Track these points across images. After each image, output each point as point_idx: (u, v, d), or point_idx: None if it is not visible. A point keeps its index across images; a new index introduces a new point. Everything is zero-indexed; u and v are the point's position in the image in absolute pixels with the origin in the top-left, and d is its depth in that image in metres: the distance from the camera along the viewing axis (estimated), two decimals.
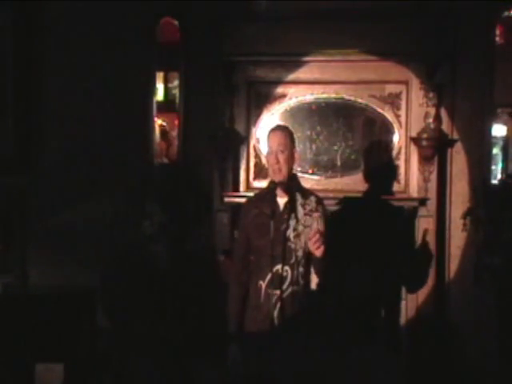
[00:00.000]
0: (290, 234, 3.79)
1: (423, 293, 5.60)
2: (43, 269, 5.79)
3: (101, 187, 5.83)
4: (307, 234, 3.79)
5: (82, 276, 5.56)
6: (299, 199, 3.86)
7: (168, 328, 5.45)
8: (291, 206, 3.83)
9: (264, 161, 5.84)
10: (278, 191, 3.85)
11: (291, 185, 3.87)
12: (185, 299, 5.40)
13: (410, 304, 5.62)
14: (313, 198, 3.92)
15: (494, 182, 5.63)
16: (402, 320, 5.63)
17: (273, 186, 3.85)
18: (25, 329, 4.90)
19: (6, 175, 5.72)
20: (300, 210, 3.83)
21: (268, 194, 3.85)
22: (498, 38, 5.71)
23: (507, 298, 5.16)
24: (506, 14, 5.74)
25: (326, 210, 3.96)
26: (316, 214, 3.85)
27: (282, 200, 3.85)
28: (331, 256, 3.79)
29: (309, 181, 5.87)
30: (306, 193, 3.94)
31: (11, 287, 5.61)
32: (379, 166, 5.74)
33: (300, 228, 3.81)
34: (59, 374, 4.62)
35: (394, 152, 5.79)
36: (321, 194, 5.60)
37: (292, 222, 3.81)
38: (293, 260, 3.78)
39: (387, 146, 5.77)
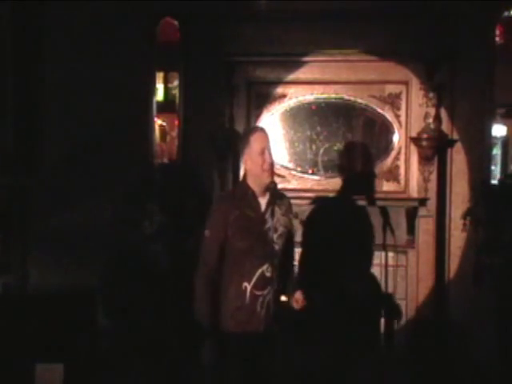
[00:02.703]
0: (273, 234, 3.78)
1: (423, 293, 5.61)
2: (43, 269, 5.79)
3: (101, 187, 5.83)
4: (285, 234, 3.84)
5: (82, 276, 5.56)
6: (277, 200, 3.86)
7: (167, 327, 5.45)
8: (272, 206, 3.82)
9: None
10: (259, 191, 3.83)
11: (272, 184, 3.88)
12: (184, 298, 5.40)
13: (409, 304, 5.63)
14: (285, 199, 3.94)
15: (494, 182, 5.63)
16: (402, 320, 5.63)
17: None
18: (25, 329, 4.89)
19: (6, 175, 5.71)
20: (278, 211, 3.84)
21: (246, 195, 3.84)
22: (497, 38, 5.72)
23: (507, 297, 5.16)
24: (506, 14, 5.74)
25: (294, 211, 4.04)
26: (290, 215, 3.91)
27: (262, 200, 3.85)
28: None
29: (309, 181, 5.87)
30: (279, 193, 3.95)
31: (11, 287, 5.61)
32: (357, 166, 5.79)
33: (280, 228, 3.83)
34: (59, 374, 4.62)
35: (394, 152, 5.79)
36: (321, 194, 5.66)
37: (273, 223, 3.81)
38: (276, 260, 3.79)
39: (367, 146, 5.80)
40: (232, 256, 3.80)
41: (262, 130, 3.94)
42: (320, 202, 5.51)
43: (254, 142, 3.82)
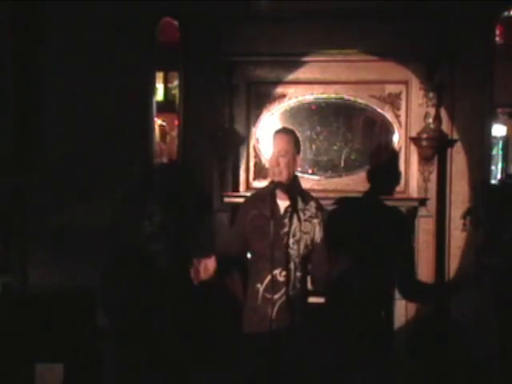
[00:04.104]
0: (289, 239, 3.75)
1: None
2: (43, 269, 5.79)
3: (100, 187, 5.82)
4: (305, 240, 3.78)
5: (82, 276, 5.55)
6: (299, 204, 3.82)
7: (167, 328, 5.45)
8: (292, 210, 3.79)
9: (264, 161, 5.84)
10: (279, 193, 3.81)
11: (292, 188, 3.84)
12: (184, 299, 5.40)
13: (409, 304, 5.62)
14: (313, 204, 3.88)
15: (494, 182, 5.63)
16: (402, 320, 5.63)
17: (273, 187, 3.81)
18: (25, 329, 4.89)
19: (5, 175, 5.71)
20: (300, 216, 3.80)
21: (268, 196, 3.81)
22: (497, 38, 5.71)
23: (507, 298, 5.16)
24: (506, 13, 5.74)
25: (324, 215, 3.93)
26: (315, 221, 3.84)
27: (282, 203, 3.81)
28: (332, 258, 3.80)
29: (309, 181, 5.87)
30: (307, 197, 3.90)
31: (11, 287, 5.61)
32: (384, 167, 5.74)
33: (299, 234, 3.78)
34: (59, 374, 4.62)
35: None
36: (321, 194, 5.65)
37: (291, 228, 3.77)
38: (291, 265, 3.75)
39: (392, 147, 5.78)
40: (251, 256, 3.82)
41: (284, 132, 3.92)
42: (339, 203, 5.48)
43: (273, 144, 3.83)
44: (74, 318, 5.06)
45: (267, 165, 3.92)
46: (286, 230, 3.77)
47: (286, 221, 3.77)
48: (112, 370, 5.27)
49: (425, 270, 5.63)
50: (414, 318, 5.63)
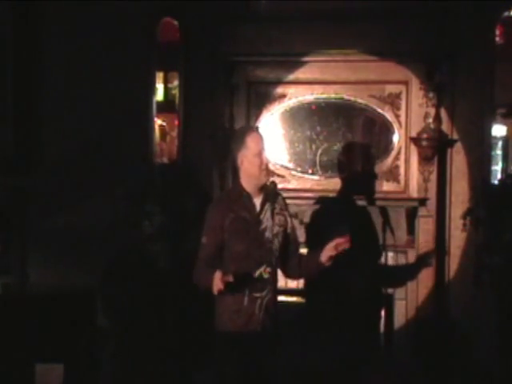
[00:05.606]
0: (269, 234, 3.77)
1: (423, 293, 5.60)
2: (43, 269, 5.78)
3: (101, 187, 5.82)
4: (281, 232, 3.83)
5: (82, 276, 5.56)
6: (271, 199, 3.86)
7: (167, 328, 5.46)
8: (267, 206, 3.82)
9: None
10: (254, 192, 3.84)
11: (271, 185, 3.90)
12: (184, 299, 5.40)
13: (409, 304, 5.63)
14: (279, 198, 3.93)
15: (494, 182, 5.64)
16: (402, 320, 5.63)
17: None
18: (24, 329, 4.89)
19: (6, 175, 5.71)
20: (273, 210, 3.84)
21: (242, 196, 3.83)
22: (497, 38, 5.72)
23: (507, 297, 5.16)
24: (506, 14, 5.74)
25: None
26: (286, 213, 3.90)
27: (257, 201, 3.85)
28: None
29: (309, 181, 5.87)
30: (274, 192, 3.94)
31: (11, 287, 5.61)
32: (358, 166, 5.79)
33: (276, 228, 3.82)
34: (59, 374, 4.62)
35: (394, 152, 5.79)
36: (320, 194, 5.67)
37: (268, 223, 3.80)
38: (273, 261, 3.78)
39: (369, 146, 5.81)
40: (229, 259, 3.79)
41: (258, 130, 3.95)
42: (322, 203, 5.52)
43: (251, 143, 3.81)
44: (74, 317, 5.06)
45: (248, 166, 3.85)
46: (264, 225, 3.80)
47: (263, 217, 3.81)
48: (112, 370, 5.28)
49: (425, 270, 5.63)
50: (414, 317, 5.64)
